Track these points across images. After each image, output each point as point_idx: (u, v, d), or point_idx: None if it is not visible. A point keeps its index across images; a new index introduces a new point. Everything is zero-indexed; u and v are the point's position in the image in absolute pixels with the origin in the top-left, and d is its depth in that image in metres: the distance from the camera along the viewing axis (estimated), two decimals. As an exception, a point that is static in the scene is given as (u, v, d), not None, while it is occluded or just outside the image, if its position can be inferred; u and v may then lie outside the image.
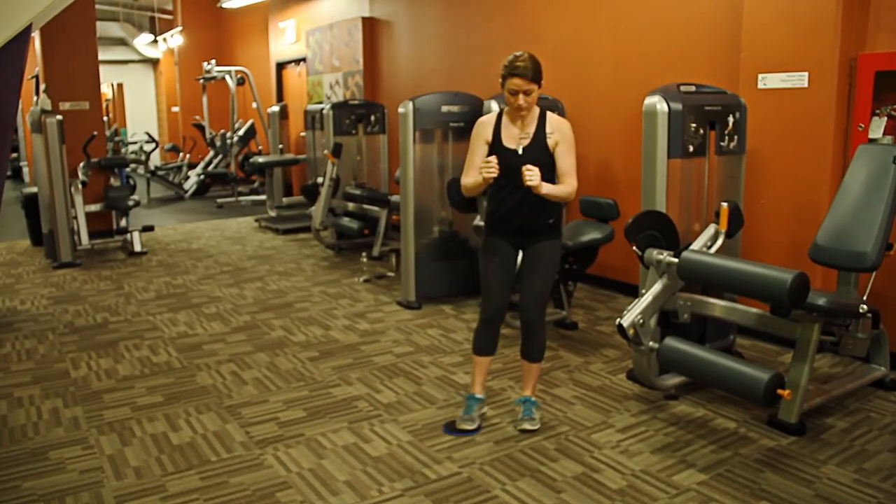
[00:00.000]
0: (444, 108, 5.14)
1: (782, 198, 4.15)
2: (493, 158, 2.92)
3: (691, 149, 3.67)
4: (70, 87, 7.30)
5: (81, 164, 7.23)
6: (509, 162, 2.97)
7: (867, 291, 3.47)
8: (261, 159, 8.96)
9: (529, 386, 3.24)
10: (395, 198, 6.05)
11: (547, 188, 2.90)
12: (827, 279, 3.82)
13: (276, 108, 9.81)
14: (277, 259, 6.91)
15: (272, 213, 8.89)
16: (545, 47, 5.42)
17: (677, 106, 3.56)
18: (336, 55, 8.83)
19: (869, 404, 3.44)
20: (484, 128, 3.10)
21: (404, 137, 4.99)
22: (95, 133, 7.38)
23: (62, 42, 7.19)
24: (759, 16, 4.14)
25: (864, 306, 3.29)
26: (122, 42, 15.71)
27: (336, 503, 2.64)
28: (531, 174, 2.84)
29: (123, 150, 13.69)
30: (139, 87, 16.52)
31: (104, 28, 14.07)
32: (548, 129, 3.02)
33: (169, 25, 14.23)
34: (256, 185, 11.39)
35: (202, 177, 11.80)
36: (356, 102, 7.61)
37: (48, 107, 6.86)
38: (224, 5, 11.42)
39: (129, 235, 7.28)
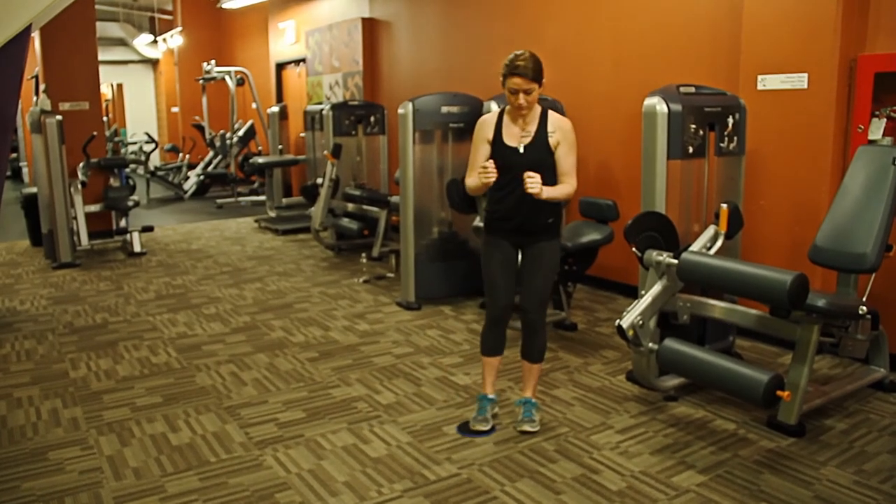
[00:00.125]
0: (444, 109, 5.14)
1: (782, 199, 4.15)
2: (491, 163, 2.92)
3: (691, 150, 3.67)
4: (70, 87, 7.30)
5: (81, 165, 7.23)
6: (510, 160, 2.97)
7: (867, 293, 3.48)
8: (260, 160, 8.96)
9: (529, 387, 3.24)
10: (394, 199, 6.05)
11: (548, 192, 2.90)
12: (826, 280, 3.82)
13: (275, 109, 9.81)
14: (277, 260, 6.90)
15: (272, 214, 8.89)
16: (545, 47, 5.41)
17: (677, 107, 3.56)
18: (336, 56, 8.83)
19: (868, 406, 3.44)
20: (485, 126, 3.10)
21: (404, 138, 4.99)
22: (95, 133, 7.38)
23: (62, 42, 7.19)
24: (759, 17, 4.14)
25: (864, 308, 3.29)
26: (121, 42, 15.71)
27: (335, 504, 2.64)
28: (532, 181, 2.84)
29: (123, 151, 13.69)
30: (139, 87, 16.52)
31: (104, 28, 14.07)
32: (549, 128, 3.02)
33: (169, 26, 14.23)
34: (256, 185, 11.38)
35: (202, 177, 11.80)
36: (356, 103, 7.61)
37: (48, 107, 6.86)
38: (224, 6, 11.42)
39: (128, 236, 7.28)
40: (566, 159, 3.02)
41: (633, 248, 3.36)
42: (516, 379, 3.69)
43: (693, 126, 3.65)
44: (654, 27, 4.97)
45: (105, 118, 11.20)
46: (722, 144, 3.86)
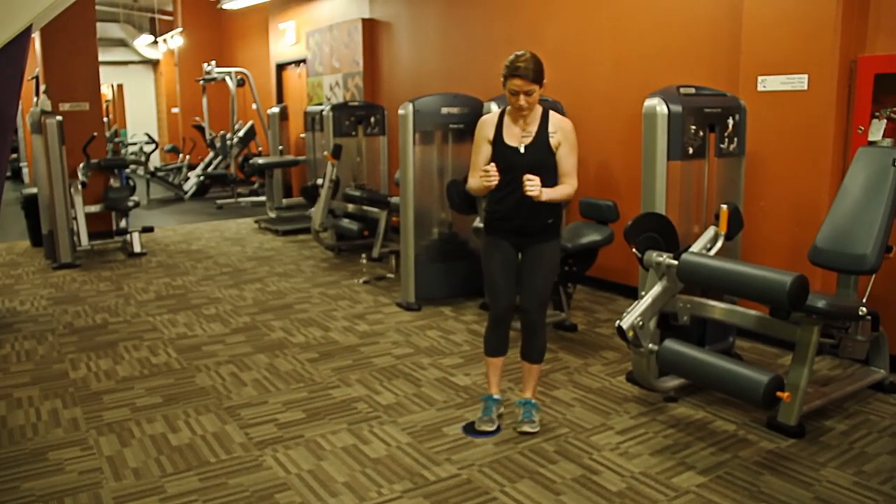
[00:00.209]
0: (444, 110, 5.14)
1: (782, 200, 4.15)
2: (493, 166, 2.92)
3: (691, 151, 3.68)
4: (70, 87, 7.30)
5: (81, 165, 7.24)
6: (511, 160, 2.97)
7: (867, 294, 3.48)
8: (261, 160, 8.96)
9: (529, 388, 3.24)
10: (394, 199, 6.05)
11: (547, 194, 2.90)
12: (826, 281, 3.82)
13: (275, 110, 9.81)
14: (277, 260, 6.90)
15: (272, 215, 8.89)
16: (545, 48, 5.41)
17: (677, 108, 3.56)
18: (336, 57, 8.84)
19: (868, 407, 3.44)
20: (486, 127, 3.10)
21: (404, 139, 4.99)
22: (95, 134, 7.38)
23: (62, 43, 7.20)
24: (759, 18, 4.14)
25: (864, 309, 3.29)
26: (122, 43, 15.72)
27: (335, 505, 2.64)
28: (531, 185, 2.84)
29: (123, 151, 13.70)
30: (139, 88, 16.53)
31: (104, 29, 14.08)
32: (550, 129, 3.01)
33: (169, 26, 14.24)
34: (256, 186, 11.38)
35: (202, 178, 11.80)
36: (356, 104, 7.61)
37: (48, 107, 6.86)
38: (224, 6, 11.43)
39: (128, 236, 7.28)
40: (567, 160, 3.02)
41: (633, 249, 3.36)
42: (516, 380, 3.69)
43: (693, 127, 3.65)
44: (654, 28, 4.97)
45: (105, 119, 11.20)
46: (722, 145, 3.86)
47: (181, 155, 13.15)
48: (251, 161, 9.33)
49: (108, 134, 12.05)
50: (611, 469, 2.87)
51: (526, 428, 3.16)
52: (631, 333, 3.20)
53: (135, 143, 14.29)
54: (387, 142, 7.48)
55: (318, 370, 4.00)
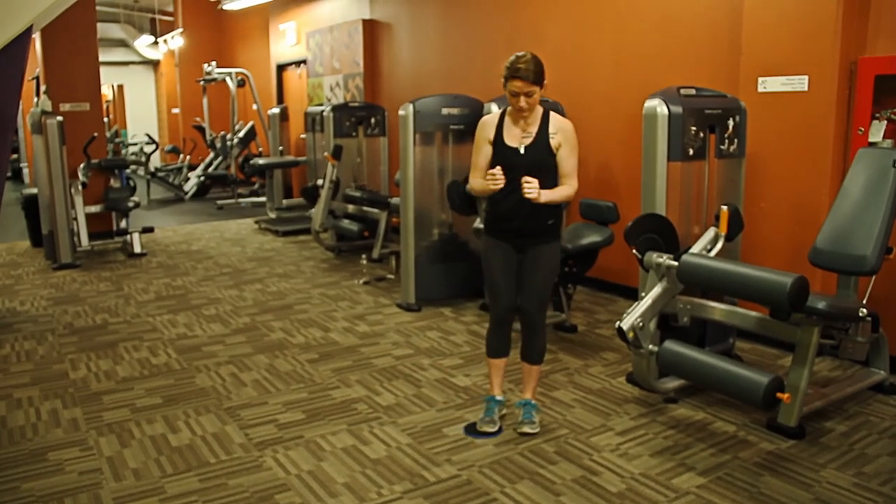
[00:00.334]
0: (445, 111, 5.14)
1: (782, 201, 4.16)
2: (499, 170, 2.92)
3: (691, 152, 3.68)
4: (70, 88, 7.31)
5: (81, 166, 7.24)
6: (511, 160, 2.97)
7: (867, 295, 3.47)
8: (261, 161, 8.96)
9: (529, 389, 3.24)
10: (394, 200, 6.05)
11: (546, 196, 2.90)
12: (826, 283, 3.82)
13: (276, 110, 9.81)
14: (277, 261, 6.90)
15: (272, 215, 8.90)
16: (545, 48, 5.41)
17: (677, 109, 3.56)
18: (336, 57, 8.84)
19: (868, 408, 3.44)
20: (486, 127, 3.10)
21: (404, 140, 5.00)
22: (96, 134, 7.38)
23: (63, 43, 7.20)
24: (759, 19, 4.14)
25: (864, 310, 3.29)
26: (122, 43, 15.72)
27: (335, 505, 2.64)
28: (530, 187, 2.85)
29: (124, 152, 13.70)
30: (140, 88, 16.53)
31: (105, 29, 14.08)
32: (551, 130, 3.01)
33: (169, 27, 14.24)
34: (256, 186, 11.39)
35: (202, 178, 11.80)
36: (356, 105, 7.61)
37: (48, 108, 6.86)
38: (225, 7, 11.42)
39: (128, 237, 7.28)
40: (567, 161, 3.02)
41: (634, 250, 3.36)
42: (516, 381, 3.69)
43: (693, 128, 3.65)
44: (654, 28, 4.98)
45: (106, 119, 11.19)
46: (722, 146, 3.86)
47: (181, 155, 13.15)
48: (251, 162, 9.33)
49: (108, 134, 12.05)
50: (611, 470, 2.87)
51: (526, 429, 3.16)
52: (631, 334, 3.19)
53: (135, 144, 14.30)
54: (387, 142, 7.48)
55: (318, 371, 4.00)
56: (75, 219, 6.79)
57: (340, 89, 8.83)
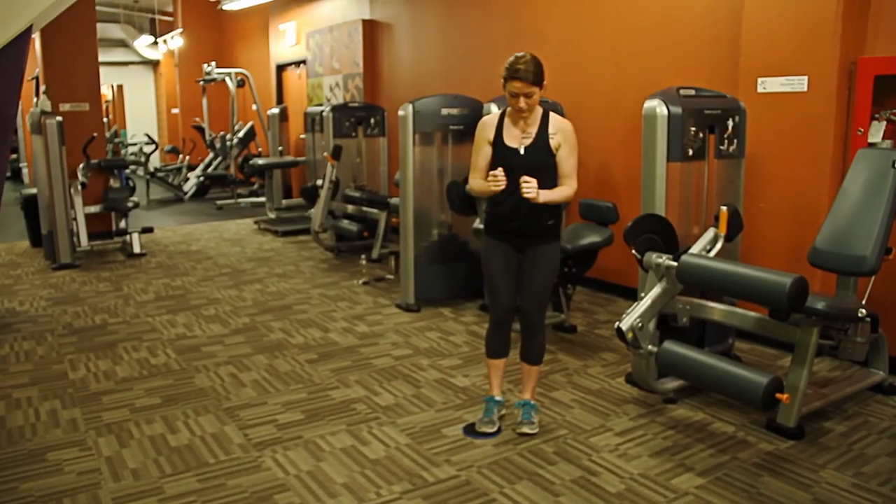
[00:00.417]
0: (444, 111, 5.14)
1: (781, 201, 4.16)
2: (500, 171, 2.92)
3: (691, 152, 3.68)
4: (70, 88, 7.30)
5: (81, 166, 7.23)
6: (510, 161, 2.97)
7: (866, 295, 3.47)
8: (260, 161, 8.96)
9: (528, 389, 3.24)
10: (394, 200, 6.05)
11: (545, 196, 2.90)
12: (826, 283, 3.82)
13: (275, 111, 9.81)
14: (276, 261, 6.90)
15: (271, 215, 8.90)
16: (545, 48, 5.42)
17: (677, 110, 3.56)
18: (336, 57, 8.84)
19: (867, 408, 3.44)
20: (486, 127, 3.10)
21: (404, 140, 5.00)
22: (95, 134, 7.38)
23: (62, 43, 7.20)
24: (759, 19, 4.14)
25: (863, 310, 3.29)
26: (122, 44, 15.72)
27: (334, 506, 2.64)
28: (528, 187, 2.85)
29: (123, 152, 13.69)
30: (139, 88, 16.53)
31: (104, 30, 14.08)
32: (550, 130, 3.01)
33: (169, 27, 14.24)
34: (256, 187, 11.39)
35: (202, 178, 11.80)
36: (356, 105, 7.61)
37: (48, 108, 6.86)
38: (224, 7, 11.43)
39: (128, 237, 7.27)
40: (567, 161, 3.02)
41: (633, 251, 3.36)
42: (515, 381, 3.69)
43: (693, 128, 3.65)
44: (654, 28, 4.98)
45: (105, 119, 11.20)
46: (722, 147, 3.86)
47: (181, 155, 13.14)
48: (251, 162, 9.33)
49: (107, 134, 12.05)
50: (610, 470, 2.87)
51: (525, 429, 3.16)
52: (630, 335, 3.19)
53: (135, 144, 14.30)
54: (387, 143, 7.48)
55: (318, 371, 4.00)
56: (75, 219, 6.78)
57: (340, 89, 8.83)
